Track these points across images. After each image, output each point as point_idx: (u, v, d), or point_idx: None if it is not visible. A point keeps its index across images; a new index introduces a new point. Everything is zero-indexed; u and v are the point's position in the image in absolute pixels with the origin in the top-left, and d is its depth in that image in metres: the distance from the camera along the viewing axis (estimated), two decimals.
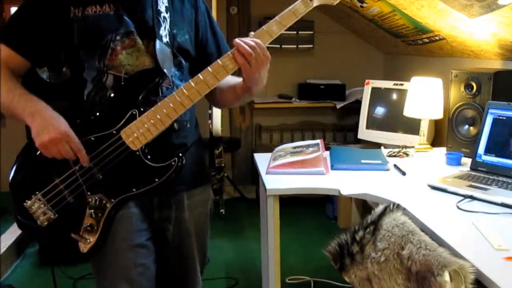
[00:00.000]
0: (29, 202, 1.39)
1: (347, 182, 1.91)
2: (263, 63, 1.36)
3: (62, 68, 1.89)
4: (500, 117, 1.94)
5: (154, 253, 1.47)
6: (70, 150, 1.33)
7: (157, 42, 1.39)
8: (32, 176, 1.40)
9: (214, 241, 3.43)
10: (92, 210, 1.38)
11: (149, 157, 1.38)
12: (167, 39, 1.42)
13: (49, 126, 1.32)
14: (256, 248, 3.05)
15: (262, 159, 2.22)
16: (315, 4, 1.39)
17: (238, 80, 1.49)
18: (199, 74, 1.36)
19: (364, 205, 3.48)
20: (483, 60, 2.66)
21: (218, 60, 1.36)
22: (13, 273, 2.99)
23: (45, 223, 1.39)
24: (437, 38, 2.87)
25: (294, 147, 2.23)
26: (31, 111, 1.34)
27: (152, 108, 1.35)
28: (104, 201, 1.38)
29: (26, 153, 1.42)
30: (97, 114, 1.38)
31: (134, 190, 1.39)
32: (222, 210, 3.93)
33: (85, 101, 1.40)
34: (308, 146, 2.21)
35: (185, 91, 1.35)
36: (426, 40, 3.05)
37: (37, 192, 1.39)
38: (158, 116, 1.35)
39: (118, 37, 1.37)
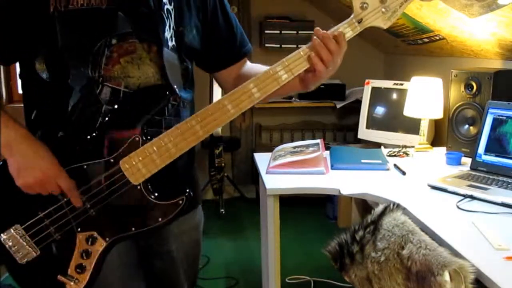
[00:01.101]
0: (5, 235, 1.16)
1: (347, 182, 1.91)
2: (337, 64, 1.22)
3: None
4: (500, 117, 1.94)
5: (143, 282, 1.32)
6: (59, 189, 1.13)
7: (164, 50, 1.18)
8: (10, 205, 1.17)
9: (214, 240, 3.45)
10: (83, 249, 1.17)
11: (153, 193, 1.17)
12: (173, 43, 1.21)
13: (34, 164, 1.11)
14: (256, 248, 3.05)
15: (262, 159, 2.22)
16: (364, 27, 1.19)
17: None
18: (219, 100, 1.14)
19: (364, 205, 3.48)
20: (483, 59, 2.66)
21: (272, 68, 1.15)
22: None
23: (25, 261, 1.17)
24: (437, 37, 2.86)
25: (294, 147, 2.23)
26: (7, 142, 1.10)
27: (160, 137, 1.13)
28: (97, 240, 1.17)
29: (2, 176, 1.16)
30: (89, 135, 1.15)
31: (133, 229, 1.18)
32: (222, 210, 3.93)
33: (70, 112, 1.15)
34: (308, 146, 2.21)
35: (201, 119, 1.14)
36: (426, 40, 3.04)
37: (16, 225, 1.16)
38: (167, 148, 1.13)
39: (114, 41, 1.14)
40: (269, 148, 2.65)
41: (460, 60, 2.91)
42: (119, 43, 1.14)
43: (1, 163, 1.18)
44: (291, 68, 1.16)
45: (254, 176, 4.31)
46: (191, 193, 1.20)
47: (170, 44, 1.21)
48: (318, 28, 1.16)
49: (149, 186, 1.17)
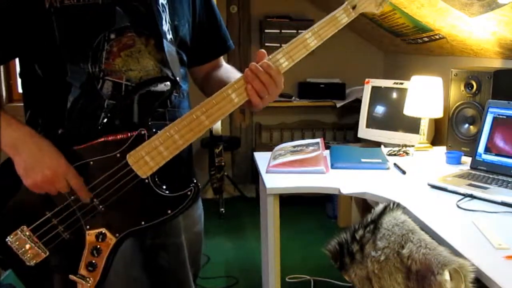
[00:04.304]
0: (11, 238, 1.14)
1: (347, 181, 1.91)
2: (275, 95, 1.19)
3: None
4: (500, 116, 1.94)
5: (148, 283, 1.30)
6: (68, 187, 1.12)
7: (164, 42, 1.19)
8: (17, 206, 1.15)
9: (214, 240, 3.45)
10: (93, 247, 1.16)
11: (162, 186, 1.17)
12: (171, 35, 1.23)
13: (42, 162, 1.09)
14: (256, 247, 3.05)
15: (262, 158, 2.22)
16: (358, 13, 1.20)
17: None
18: (221, 90, 1.16)
19: (364, 204, 3.48)
20: (483, 59, 2.66)
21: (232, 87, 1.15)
22: (13, 272, 2.99)
23: (33, 262, 1.16)
24: (437, 37, 2.86)
25: (294, 146, 2.23)
26: (12, 142, 1.09)
27: (165, 129, 1.13)
28: (106, 237, 1.16)
29: (7, 175, 1.14)
30: (92, 131, 1.14)
31: (142, 223, 1.16)
32: (222, 209, 3.93)
33: (70, 109, 1.15)
34: (308, 145, 2.21)
35: (206, 109, 1.14)
36: (426, 39, 3.04)
37: (23, 227, 1.14)
38: (173, 139, 1.13)
39: (112, 36, 1.14)
40: (269, 147, 2.65)
41: (460, 59, 2.91)
42: (117, 37, 1.15)
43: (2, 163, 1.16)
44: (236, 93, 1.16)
45: (254, 175, 4.31)
46: (198, 185, 1.19)
47: (169, 37, 1.22)
48: (253, 63, 1.16)
49: (157, 179, 1.16)
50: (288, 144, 2.30)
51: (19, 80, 2.55)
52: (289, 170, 2.01)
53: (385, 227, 1.41)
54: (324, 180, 1.94)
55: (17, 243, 1.15)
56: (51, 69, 1.16)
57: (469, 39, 2.55)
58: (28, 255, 1.15)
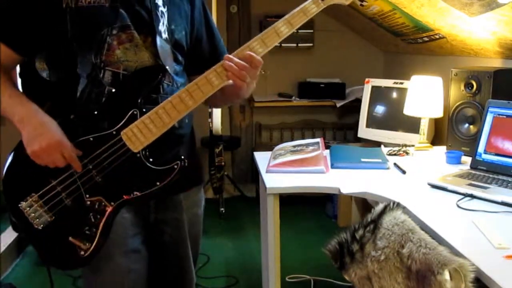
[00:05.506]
0: (24, 203, 1.33)
1: (347, 181, 1.91)
2: (253, 77, 1.35)
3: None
4: (500, 116, 1.94)
5: (147, 256, 1.43)
6: (63, 159, 1.28)
7: (157, 38, 1.35)
8: (28, 176, 1.33)
9: (214, 239, 3.45)
10: (91, 213, 1.32)
11: (150, 159, 1.33)
12: (166, 35, 1.38)
13: (40, 134, 1.26)
14: (256, 247, 3.05)
15: (262, 158, 2.22)
16: (327, 4, 1.37)
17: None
18: (204, 75, 1.33)
19: (364, 203, 3.48)
20: (483, 58, 2.66)
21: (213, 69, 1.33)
22: (13, 272, 3.00)
23: (41, 226, 1.33)
24: (437, 36, 2.86)
25: (294, 146, 2.23)
26: (21, 117, 1.27)
27: (154, 109, 1.30)
28: (103, 204, 1.33)
29: (20, 151, 1.32)
30: (95, 112, 1.32)
31: (135, 193, 1.33)
32: (222, 209, 3.93)
33: (79, 97, 1.32)
34: (308, 144, 2.21)
35: (190, 91, 1.31)
36: (426, 39, 3.04)
37: (33, 194, 1.32)
38: (161, 118, 1.30)
39: (114, 31, 1.31)
40: (269, 147, 2.65)
41: (460, 59, 2.91)
42: (118, 33, 1.32)
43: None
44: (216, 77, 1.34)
45: (254, 175, 4.31)
46: (186, 161, 1.35)
47: (164, 36, 1.38)
48: (227, 55, 1.33)
49: (147, 154, 1.33)
50: (288, 144, 2.30)
51: (19, 80, 2.55)
52: (289, 169, 2.01)
53: (385, 226, 1.41)
54: (324, 180, 1.94)
55: (28, 208, 1.33)
56: (63, 62, 1.32)
57: (469, 39, 2.55)
58: (37, 220, 1.33)
